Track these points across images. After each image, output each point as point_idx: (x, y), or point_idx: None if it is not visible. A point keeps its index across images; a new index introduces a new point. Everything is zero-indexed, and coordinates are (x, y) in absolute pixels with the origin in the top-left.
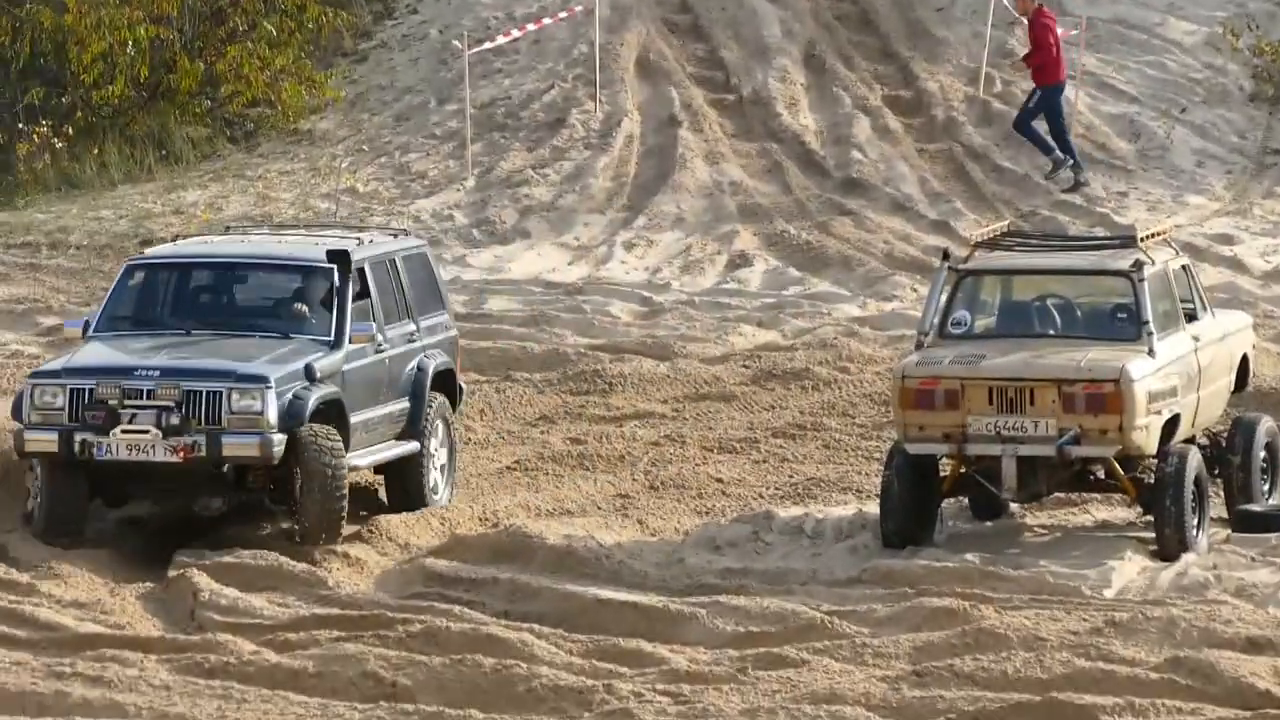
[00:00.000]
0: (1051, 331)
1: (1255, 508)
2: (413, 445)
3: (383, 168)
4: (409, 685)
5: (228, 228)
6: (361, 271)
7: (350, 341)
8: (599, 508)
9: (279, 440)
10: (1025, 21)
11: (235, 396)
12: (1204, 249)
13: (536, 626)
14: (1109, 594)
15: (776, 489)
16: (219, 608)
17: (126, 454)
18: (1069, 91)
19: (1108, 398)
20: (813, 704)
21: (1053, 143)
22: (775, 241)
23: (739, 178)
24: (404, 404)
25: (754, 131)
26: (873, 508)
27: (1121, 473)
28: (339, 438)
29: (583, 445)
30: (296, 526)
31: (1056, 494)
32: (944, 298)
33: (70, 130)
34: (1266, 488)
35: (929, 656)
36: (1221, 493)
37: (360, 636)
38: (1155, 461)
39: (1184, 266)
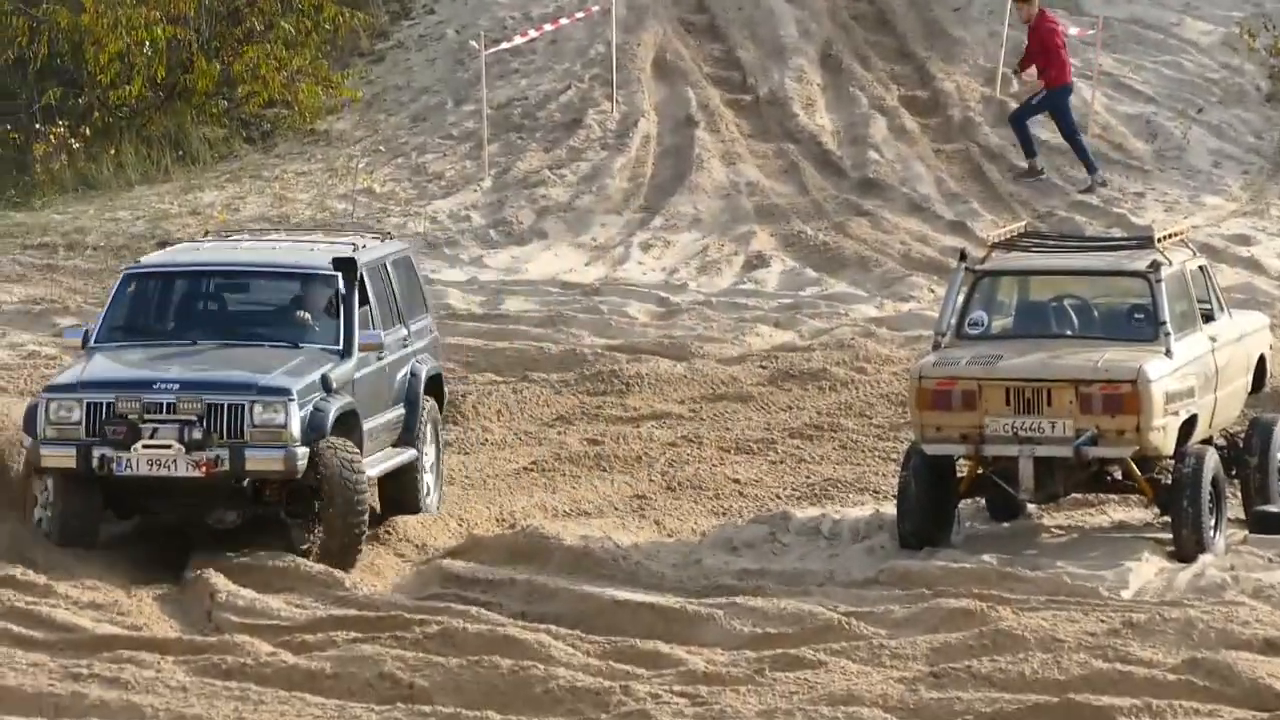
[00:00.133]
0: (1069, 332)
1: (1272, 509)
2: (412, 453)
3: (399, 168)
4: (426, 686)
5: (207, 232)
6: (361, 278)
7: (359, 349)
8: (616, 508)
9: (302, 454)
10: (1028, 26)
11: (258, 409)
12: (1221, 249)
13: (553, 627)
14: (1126, 595)
15: (793, 490)
16: (236, 609)
17: (147, 469)
18: (1086, 92)
19: (1125, 398)
20: (830, 705)
21: (1036, 148)
22: (792, 242)
23: (756, 178)
24: (400, 411)
25: (770, 132)
26: (890, 508)
27: (1139, 473)
28: (357, 450)
29: (600, 446)
30: (316, 542)
31: (1074, 495)
32: (961, 298)
33: (87, 131)
34: None
35: (946, 658)
36: (1239, 494)
37: (377, 638)
38: (1172, 462)
39: (1201, 267)
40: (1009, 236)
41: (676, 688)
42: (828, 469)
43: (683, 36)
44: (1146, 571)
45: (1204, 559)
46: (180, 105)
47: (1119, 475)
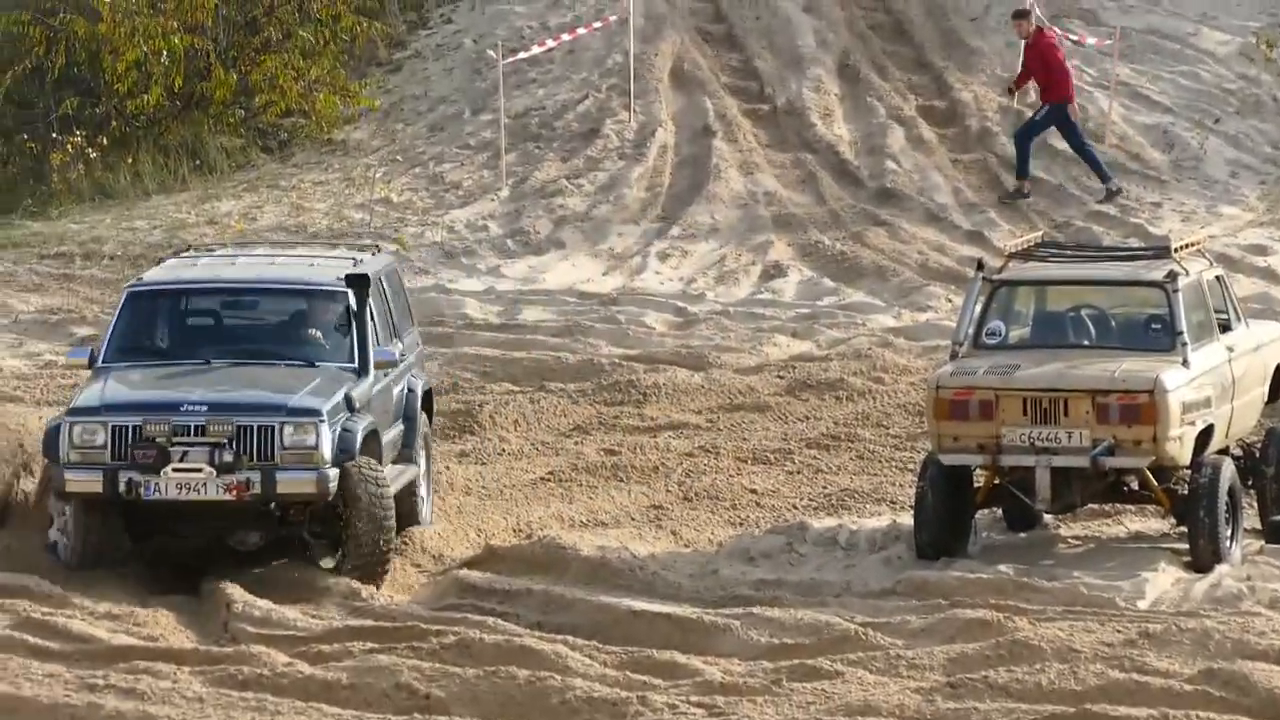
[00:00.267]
0: (1086, 342)
1: None
2: (415, 469)
3: (417, 178)
4: (442, 697)
5: (189, 246)
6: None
7: (374, 366)
8: (633, 519)
9: (333, 475)
10: (1024, 42)
11: (289, 431)
12: (1238, 259)
13: (570, 638)
14: (1143, 605)
15: (810, 500)
16: (252, 619)
17: (176, 493)
18: (1103, 102)
19: (1142, 408)
20: (847, 716)
21: (1029, 171)
22: (810, 252)
23: (773, 188)
24: (400, 427)
25: (788, 142)
26: (907, 519)
27: (1155, 484)
28: (383, 470)
29: (617, 456)
30: (339, 561)
31: (1090, 505)
32: (978, 308)
33: (104, 140)
34: None
35: (963, 668)
36: (1255, 504)
37: (394, 648)
38: (1189, 472)
39: (1218, 277)
40: (1026, 246)
41: (693, 698)
42: (845, 479)
43: (700, 46)
44: (1163, 582)
45: (1220, 569)
46: (197, 115)
47: (1136, 485)
